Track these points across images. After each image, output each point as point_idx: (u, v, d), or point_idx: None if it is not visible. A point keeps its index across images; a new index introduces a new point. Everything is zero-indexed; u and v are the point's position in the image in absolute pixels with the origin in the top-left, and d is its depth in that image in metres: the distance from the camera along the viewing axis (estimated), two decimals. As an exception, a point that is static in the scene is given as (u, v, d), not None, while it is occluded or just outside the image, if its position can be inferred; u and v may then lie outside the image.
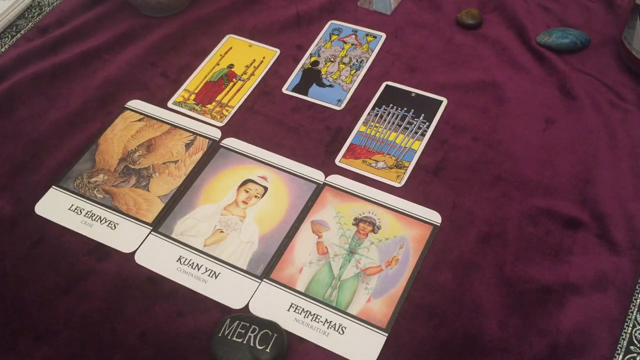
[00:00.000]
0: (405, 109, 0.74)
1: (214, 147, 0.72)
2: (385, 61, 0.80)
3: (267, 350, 0.55)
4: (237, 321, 0.57)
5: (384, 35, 0.82)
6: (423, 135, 0.72)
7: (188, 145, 0.73)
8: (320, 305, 0.60)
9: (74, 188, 0.69)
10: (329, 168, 0.70)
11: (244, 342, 0.55)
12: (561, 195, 0.66)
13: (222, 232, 0.65)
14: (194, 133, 0.74)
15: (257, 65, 0.80)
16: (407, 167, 0.69)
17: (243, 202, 0.67)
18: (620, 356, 0.56)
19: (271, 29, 0.84)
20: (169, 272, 0.63)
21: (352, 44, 0.82)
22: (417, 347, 0.57)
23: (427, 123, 0.73)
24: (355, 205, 0.66)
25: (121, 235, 0.65)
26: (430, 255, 0.63)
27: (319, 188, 0.68)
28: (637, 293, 0.60)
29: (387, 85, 0.77)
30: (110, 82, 0.79)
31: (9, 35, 0.85)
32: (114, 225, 0.66)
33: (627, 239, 0.63)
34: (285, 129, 0.74)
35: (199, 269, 0.63)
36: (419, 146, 0.71)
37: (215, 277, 0.62)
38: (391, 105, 0.75)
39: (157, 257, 0.64)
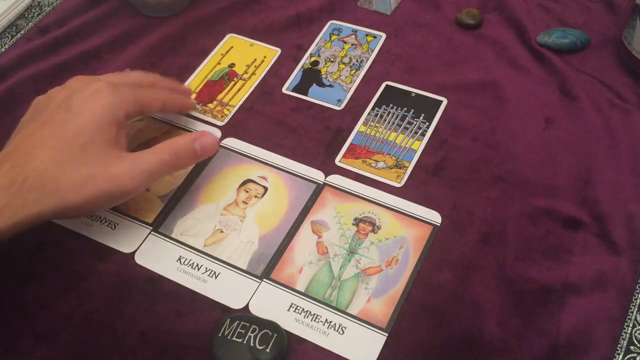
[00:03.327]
0: (405, 109, 0.74)
1: (214, 147, 0.72)
2: (385, 61, 0.80)
3: (267, 350, 0.55)
4: (237, 321, 0.57)
5: (384, 35, 0.82)
6: (423, 135, 0.72)
7: (188, 145, 0.72)
8: (320, 305, 0.60)
9: (74, 188, 0.69)
10: (329, 168, 0.70)
11: (244, 342, 0.55)
12: (561, 195, 0.66)
13: (222, 232, 0.65)
14: (194, 133, 0.74)
15: (258, 65, 0.80)
16: (407, 167, 0.69)
17: (243, 202, 0.67)
18: (620, 356, 0.56)
19: (271, 29, 0.84)
20: (169, 272, 0.63)
21: (352, 44, 0.82)
22: (417, 347, 0.57)
23: (427, 123, 0.73)
24: (355, 205, 0.66)
25: (121, 235, 0.65)
26: (430, 255, 0.63)
27: (319, 188, 0.68)
28: (637, 293, 0.60)
29: (387, 85, 0.77)
30: (110, 82, 0.79)
31: (9, 35, 0.85)
32: (114, 225, 0.66)
33: (627, 239, 0.63)
34: (285, 129, 0.74)
35: (199, 269, 0.63)
36: (419, 146, 0.71)
37: (215, 277, 0.62)
38: (391, 105, 0.75)
39: (157, 257, 0.64)
